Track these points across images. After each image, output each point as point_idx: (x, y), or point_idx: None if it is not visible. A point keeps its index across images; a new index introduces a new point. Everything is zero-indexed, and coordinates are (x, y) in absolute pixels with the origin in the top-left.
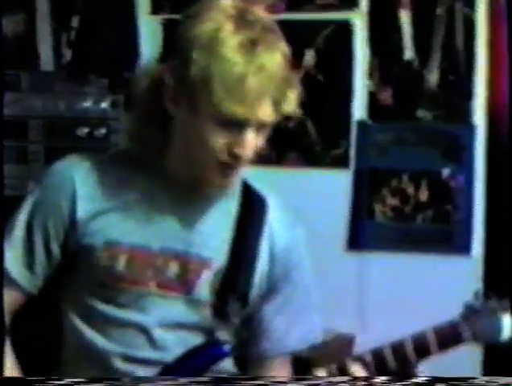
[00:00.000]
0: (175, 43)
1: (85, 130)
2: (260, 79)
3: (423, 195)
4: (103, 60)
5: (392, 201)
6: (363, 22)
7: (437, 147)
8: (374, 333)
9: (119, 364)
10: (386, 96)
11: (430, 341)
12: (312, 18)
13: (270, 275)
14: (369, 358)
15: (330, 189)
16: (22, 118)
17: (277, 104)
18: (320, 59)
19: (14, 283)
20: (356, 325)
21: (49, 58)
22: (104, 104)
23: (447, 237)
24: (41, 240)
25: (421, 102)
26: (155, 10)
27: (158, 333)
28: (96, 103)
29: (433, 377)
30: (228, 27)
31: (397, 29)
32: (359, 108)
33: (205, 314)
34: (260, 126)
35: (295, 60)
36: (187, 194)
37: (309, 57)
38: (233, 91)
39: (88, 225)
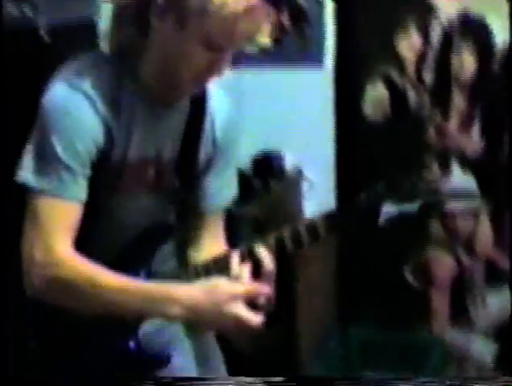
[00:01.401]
0: None
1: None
2: (247, 18)
3: (284, 19)
4: None
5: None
6: None
7: None
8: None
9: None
10: None
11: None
12: None
13: (211, 151)
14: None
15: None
16: None
17: (254, 35)
18: None
19: (70, 199)
20: None
21: None
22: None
23: (304, 52)
24: (76, 163)
25: None
26: None
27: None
28: None
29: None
30: None
31: None
32: None
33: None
34: (234, 50)
35: None
36: (156, 102)
37: None
38: (224, 26)
39: (104, 143)
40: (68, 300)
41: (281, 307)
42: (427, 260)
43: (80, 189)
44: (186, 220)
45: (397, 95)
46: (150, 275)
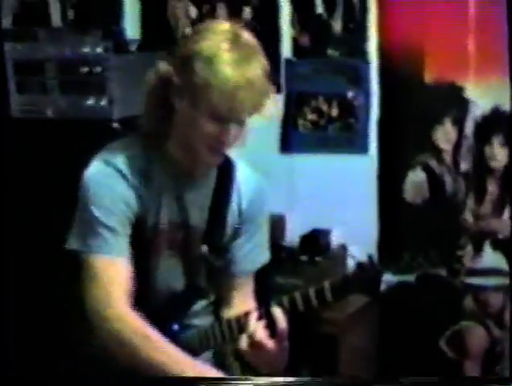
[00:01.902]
0: (180, 49)
1: (86, 69)
2: (247, 91)
3: (334, 112)
4: (96, 18)
5: (311, 116)
6: None
7: (343, 76)
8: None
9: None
10: (305, 40)
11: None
12: None
13: (239, 221)
14: (285, 302)
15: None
16: (39, 61)
17: (255, 108)
18: (256, 14)
19: (116, 256)
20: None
21: (58, 17)
22: (98, 50)
23: (351, 141)
24: (115, 223)
25: (330, 44)
26: None
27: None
28: (92, 48)
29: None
30: (224, 46)
31: None
32: (286, 50)
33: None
34: (241, 122)
35: (237, 15)
36: (183, 173)
37: (247, 12)
38: (226, 98)
39: (138, 210)
40: (125, 355)
41: (325, 371)
42: (461, 332)
43: (123, 246)
44: (217, 282)
45: (435, 181)
46: (184, 327)
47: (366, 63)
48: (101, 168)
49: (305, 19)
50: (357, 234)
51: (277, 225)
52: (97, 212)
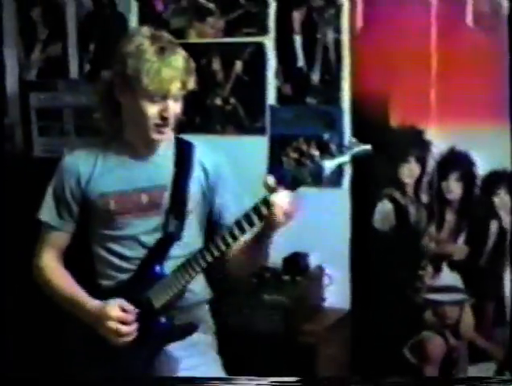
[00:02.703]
0: (116, 57)
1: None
2: (169, 70)
3: (313, 151)
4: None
5: (293, 155)
6: (272, 43)
7: (320, 120)
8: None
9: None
10: (287, 89)
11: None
12: (241, 41)
13: (206, 185)
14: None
15: (253, 149)
16: (59, 108)
17: (183, 83)
18: (246, 66)
19: (51, 227)
20: None
21: (75, 70)
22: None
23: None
24: (63, 200)
25: (309, 93)
26: None
27: (143, 237)
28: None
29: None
30: (146, 42)
31: (292, 48)
32: (271, 97)
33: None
34: (175, 98)
35: (229, 68)
36: (139, 151)
37: (238, 65)
38: (154, 78)
39: (88, 188)
40: (49, 294)
41: (303, 383)
42: (422, 341)
43: (64, 223)
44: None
45: (400, 211)
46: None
47: (340, 109)
48: (60, 166)
49: (288, 71)
50: (332, 257)
51: None
52: (50, 195)
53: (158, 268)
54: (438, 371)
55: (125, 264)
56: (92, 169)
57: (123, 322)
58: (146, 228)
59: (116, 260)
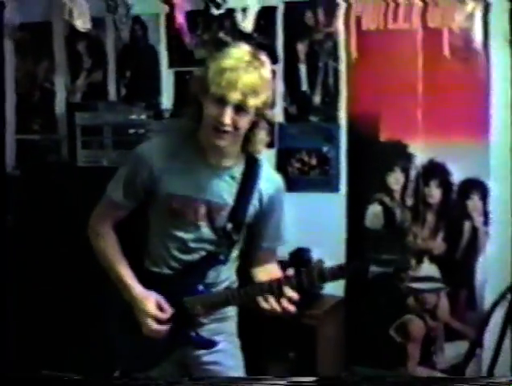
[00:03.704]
0: (204, 70)
1: (133, 130)
2: (236, 78)
3: (313, 162)
4: (141, 93)
5: (297, 165)
6: (280, 71)
7: (320, 135)
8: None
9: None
10: (293, 109)
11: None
12: None
13: (259, 211)
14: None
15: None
16: (99, 126)
17: (244, 96)
18: None
19: (114, 202)
20: None
21: (113, 93)
22: (142, 116)
23: (326, 183)
24: (132, 183)
25: (311, 112)
26: (171, 64)
27: (191, 244)
28: (138, 116)
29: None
30: (231, 60)
31: (297, 74)
32: (279, 116)
33: (218, 235)
34: (236, 107)
35: None
36: (208, 157)
37: None
38: (221, 83)
39: (157, 183)
40: (97, 255)
41: (305, 358)
42: (405, 323)
43: (126, 200)
44: (243, 253)
45: (388, 212)
46: (207, 286)
47: (337, 126)
48: (135, 154)
49: (294, 94)
50: (330, 251)
51: None
52: (121, 177)
53: (201, 287)
54: (419, 348)
55: (172, 262)
56: (164, 165)
57: (157, 319)
58: (195, 236)
59: (164, 253)
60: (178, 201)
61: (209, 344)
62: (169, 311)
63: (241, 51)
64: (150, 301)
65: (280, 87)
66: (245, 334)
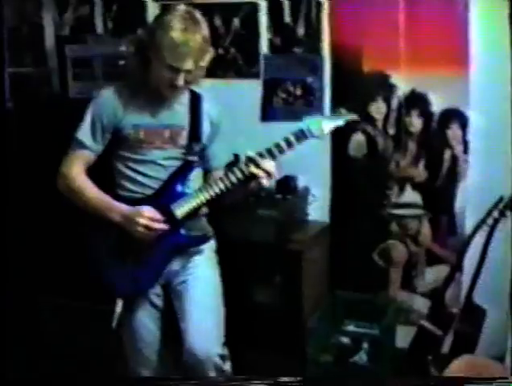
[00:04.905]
0: (152, 23)
1: (122, 62)
2: (186, 48)
3: (298, 92)
4: (127, 25)
5: (282, 95)
6: (264, 3)
7: (304, 67)
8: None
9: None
10: (277, 41)
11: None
12: (238, 2)
13: (211, 132)
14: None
15: (250, 90)
16: (89, 58)
17: (195, 61)
18: (243, 23)
19: (85, 146)
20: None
21: (101, 26)
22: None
23: (310, 113)
24: (99, 127)
25: (295, 44)
26: None
27: (161, 161)
28: (127, 48)
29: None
30: (175, 20)
31: (281, 7)
32: (264, 47)
33: (182, 151)
34: (188, 71)
35: (229, 24)
36: (161, 97)
37: (236, 22)
38: (172, 55)
39: (123, 120)
40: (74, 200)
41: (291, 282)
42: (388, 248)
43: (98, 145)
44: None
45: (371, 141)
46: (185, 187)
47: (321, 57)
48: (98, 97)
49: (277, 26)
50: (316, 179)
51: None
52: (88, 119)
53: (179, 187)
54: (401, 272)
55: (148, 182)
56: (126, 104)
57: (154, 221)
58: (163, 156)
59: (139, 178)
60: (144, 130)
61: (203, 239)
62: (160, 218)
63: (182, 19)
64: (143, 212)
65: (264, 19)
66: (232, 260)
